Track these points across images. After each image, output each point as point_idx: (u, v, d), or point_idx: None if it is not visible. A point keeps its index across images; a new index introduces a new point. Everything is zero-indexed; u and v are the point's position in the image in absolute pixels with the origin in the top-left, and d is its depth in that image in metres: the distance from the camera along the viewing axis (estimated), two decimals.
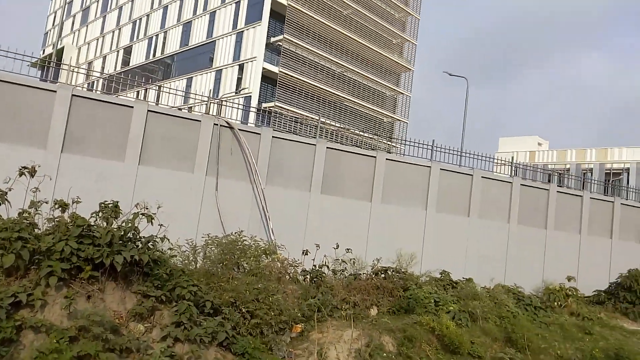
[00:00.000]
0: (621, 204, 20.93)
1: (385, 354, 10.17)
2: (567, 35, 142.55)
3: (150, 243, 9.18)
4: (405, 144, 18.67)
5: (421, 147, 17.77)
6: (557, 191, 19.73)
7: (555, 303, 15.67)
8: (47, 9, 78.50)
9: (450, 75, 32.72)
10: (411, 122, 52.68)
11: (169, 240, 9.59)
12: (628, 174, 57.68)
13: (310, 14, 42.42)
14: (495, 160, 19.86)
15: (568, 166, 60.08)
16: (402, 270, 14.08)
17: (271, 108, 37.42)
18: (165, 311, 8.87)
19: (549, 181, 24.60)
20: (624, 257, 19.68)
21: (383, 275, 13.75)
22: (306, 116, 35.86)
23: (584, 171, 57.00)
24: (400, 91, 51.50)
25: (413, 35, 52.85)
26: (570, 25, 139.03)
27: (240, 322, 9.64)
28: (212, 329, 8.74)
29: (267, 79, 41.42)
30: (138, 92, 46.04)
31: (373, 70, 48.66)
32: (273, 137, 15.38)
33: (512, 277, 16.81)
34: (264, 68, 40.77)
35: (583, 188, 22.26)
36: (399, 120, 50.97)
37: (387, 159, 17.02)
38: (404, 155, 18.29)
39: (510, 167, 20.03)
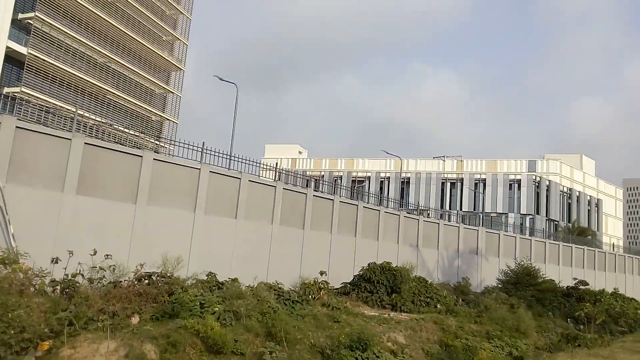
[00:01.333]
0: (363, 207, 24.25)
1: None
2: (331, 59, 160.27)
3: None
4: (174, 145, 18.22)
5: (191, 149, 17.55)
6: (314, 195, 21.81)
7: (310, 296, 17.26)
8: None
9: (220, 79, 33.28)
10: (181, 123, 51.63)
11: None
12: (369, 181, 67.32)
13: None
14: (262, 165, 20.91)
15: (323, 173, 66.98)
16: (168, 274, 13.69)
17: (16, 94, 32.19)
18: None
19: (307, 186, 27.05)
20: (366, 253, 22.89)
21: (147, 281, 13.14)
22: (60, 107, 31.95)
23: (335, 178, 64.33)
24: (170, 90, 50.02)
25: (184, 34, 51.95)
26: (333, 51, 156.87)
27: None
28: None
29: (12, 60, 35.51)
30: None
31: (141, 65, 46.09)
32: (17, 127, 13.26)
33: (275, 274, 17.91)
34: (8, 47, 34.83)
35: (334, 193, 25.09)
36: (168, 119, 49.43)
37: (154, 159, 16.34)
38: (173, 156, 17.82)
39: (274, 172, 21.33)
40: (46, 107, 20.77)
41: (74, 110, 16.47)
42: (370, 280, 19.89)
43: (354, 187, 49.71)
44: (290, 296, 15.66)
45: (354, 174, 69.29)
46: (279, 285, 16.39)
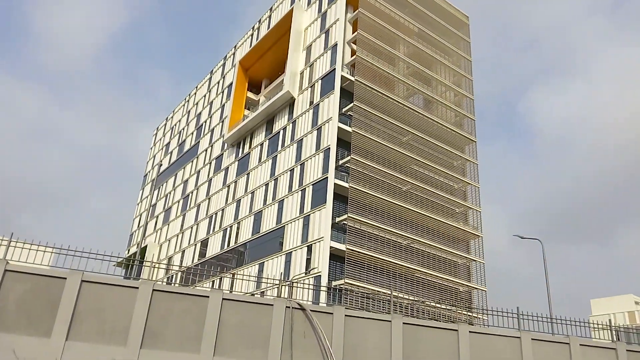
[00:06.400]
0: None
1: None
2: None
3: None
4: (487, 314, 17.52)
5: (506, 316, 16.57)
6: None
7: None
8: (133, 212, 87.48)
9: (522, 238, 31.93)
10: (491, 288, 50.12)
11: None
12: None
13: (371, 193, 44.41)
14: (592, 325, 18.01)
15: None
16: None
17: (341, 286, 37.21)
18: None
19: None
20: None
21: None
22: (377, 291, 35.14)
23: None
24: (472, 258, 50.15)
25: (475, 202, 53.32)
26: None
27: None
28: None
29: (336, 257, 41.96)
30: (213, 281, 47.65)
31: (440, 239, 48.39)
32: (346, 315, 14.97)
33: None
34: (331, 247, 41.65)
35: None
36: (476, 288, 48.66)
37: (470, 331, 15.88)
38: (487, 326, 17.03)
39: (610, 331, 18.02)
40: (366, 293, 23.14)
41: (389, 293, 17.88)
42: None
43: None
44: None
45: None
46: None
